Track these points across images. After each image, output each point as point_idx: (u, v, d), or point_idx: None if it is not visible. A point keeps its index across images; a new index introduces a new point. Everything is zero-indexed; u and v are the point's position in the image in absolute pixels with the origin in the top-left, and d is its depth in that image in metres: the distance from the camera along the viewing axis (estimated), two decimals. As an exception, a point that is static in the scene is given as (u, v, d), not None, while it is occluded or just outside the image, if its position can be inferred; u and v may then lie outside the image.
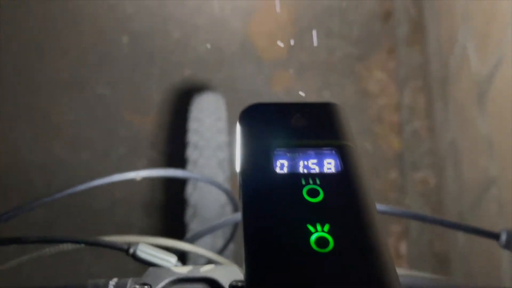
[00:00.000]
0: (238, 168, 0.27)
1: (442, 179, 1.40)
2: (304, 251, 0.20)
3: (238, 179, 0.27)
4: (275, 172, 0.24)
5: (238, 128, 0.27)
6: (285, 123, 0.27)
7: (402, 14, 1.79)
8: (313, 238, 0.21)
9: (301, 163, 0.25)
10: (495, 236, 0.45)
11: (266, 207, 0.23)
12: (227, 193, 0.59)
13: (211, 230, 0.47)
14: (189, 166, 0.95)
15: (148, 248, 0.42)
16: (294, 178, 0.24)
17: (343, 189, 0.24)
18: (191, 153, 0.97)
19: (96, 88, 1.93)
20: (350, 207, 0.23)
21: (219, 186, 0.57)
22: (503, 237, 0.44)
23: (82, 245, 0.44)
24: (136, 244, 0.42)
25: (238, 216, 0.48)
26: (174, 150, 1.70)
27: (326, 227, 0.21)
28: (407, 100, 1.64)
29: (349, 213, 0.23)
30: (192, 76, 1.90)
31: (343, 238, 0.21)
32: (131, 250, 0.42)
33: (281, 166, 0.25)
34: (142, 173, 0.53)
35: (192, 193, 0.85)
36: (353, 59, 1.91)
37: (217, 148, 0.98)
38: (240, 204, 0.25)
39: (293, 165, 0.25)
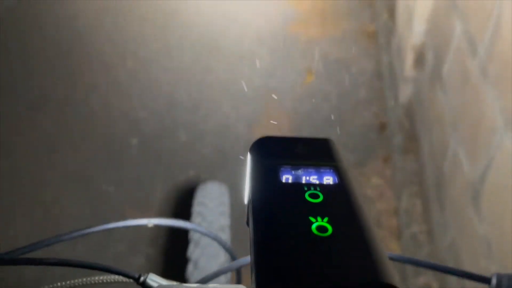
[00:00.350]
0: (247, 188, 0.30)
1: (444, 283, 1.36)
2: (307, 236, 0.23)
3: (247, 208, 0.30)
4: (281, 182, 0.28)
5: (248, 156, 0.31)
6: (289, 150, 0.31)
7: (396, 125, 1.93)
8: (314, 226, 0.24)
9: (303, 177, 0.28)
10: (486, 281, 0.47)
11: (273, 207, 0.26)
12: (229, 251, 0.60)
13: (218, 274, 0.48)
14: (191, 246, 0.95)
15: (157, 278, 0.42)
16: (297, 186, 0.27)
17: (340, 194, 0.27)
18: (193, 234, 0.97)
19: (102, 185, 1.98)
20: (346, 206, 0.26)
21: (221, 242, 0.58)
22: (494, 280, 0.48)
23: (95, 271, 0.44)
24: (146, 273, 0.43)
25: (244, 260, 0.49)
26: (173, 247, 1.68)
27: (326, 219, 0.24)
28: (405, 205, 1.67)
29: (345, 209, 0.26)
30: (196, 176, 1.97)
31: (340, 226, 0.24)
32: (142, 279, 0.43)
33: (286, 179, 0.28)
34: (154, 221, 0.56)
35: (194, 250, 0.85)
36: (351, 166, 1.99)
37: (219, 229, 1.00)
38: (249, 216, 0.28)
39: (296, 178, 0.28)
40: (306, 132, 2.14)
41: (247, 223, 0.28)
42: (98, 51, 2.68)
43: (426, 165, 1.67)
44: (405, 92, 1.99)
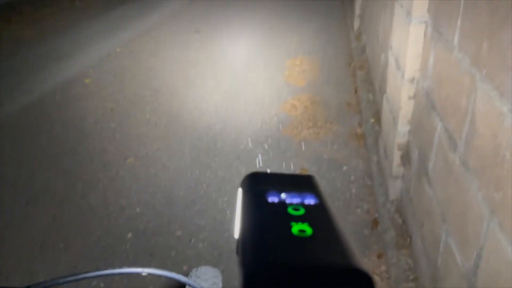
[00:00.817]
0: (237, 219, 0.34)
1: None
2: (288, 236, 0.26)
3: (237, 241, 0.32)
4: (267, 202, 0.31)
5: (239, 190, 0.36)
6: (275, 180, 0.36)
7: (388, 221, 1.97)
8: (294, 228, 0.27)
9: (287, 198, 0.32)
10: None
11: (258, 218, 0.29)
12: None
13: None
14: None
15: None
16: (281, 204, 0.31)
17: (320, 210, 0.30)
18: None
19: (92, 281, 1.92)
20: (325, 217, 0.30)
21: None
22: None
23: None
24: None
25: None
26: None
27: (306, 224, 0.28)
28: (404, 302, 1.63)
29: (324, 219, 0.30)
30: (189, 270, 1.93)
31: (319, 229, 0.28)
32: None
33: (272, 199, 0.32)
34: (148, 270, 0.58)
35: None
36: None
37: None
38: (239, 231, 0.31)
39: (281, 199, 0.32)
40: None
41: (237, 252, 0.30)
42: (101, 149, 2.81)
43: (420, 260, 1.67)
44: (395, 189, 2.07)
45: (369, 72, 3.57)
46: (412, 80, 1.81)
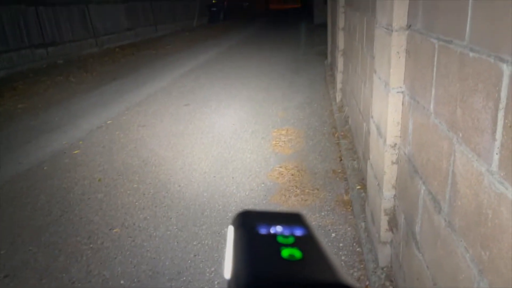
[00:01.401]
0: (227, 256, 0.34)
1: None
2: (279, 261, 0.28)
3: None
4: (258, 234, 0.32)
5: (229, 228, 0.37)
6: (266, 217, 0.38)
7: (381, 289, 1.92)
8: (284, 252, 0.29)
9: (278, 230, 0.33)
10: None
11: (249, 246, 0.30)
12: None
13: None
14: None
15: None
16: (271, 235, 0.32)
17: (308, 238, 0.31)
18: None
19: None
20: (313, 244, 0.31)
21: None
22: None
23: None
24: None
25: None
26: None
27: (295, 248, 0.29)
28: None
29: (312, 245, 0.31)
30: None
31: (308, 253, 0.29)
32: None
33: (262, 231, 0.33)
34: None
35: None
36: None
37: None
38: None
39: (271, 230, 0.33)
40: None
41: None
42: (87, 220, 2.76)
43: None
44: (384, 255, 2.05)
45: (353, 141, 3.69)
46: (394, 146, 1.89)
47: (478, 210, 1.07)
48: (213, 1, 22.27)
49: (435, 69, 1.38)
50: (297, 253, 0.28)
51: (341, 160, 3.48)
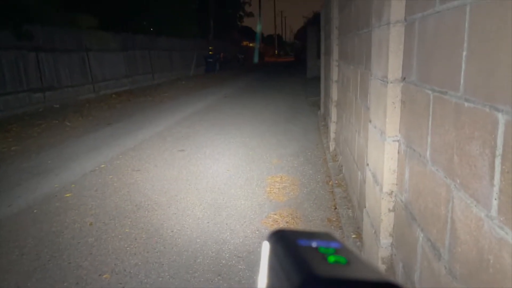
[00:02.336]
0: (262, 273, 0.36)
1: None
2: (327, 265, 0.29)
3: None
4: (299, 245, 0.33)
5: (265, 244, 0.38)
6: (301, 233, 0.39)
7: None
8: (330, 259, 0.30)
9: (317, 243, 0.34)
10: None
11: (294, 256, 0.31)
12: None
13: None
14: None
15: None
16: (312, 247, 0.33)
17: (347, 250, 0.33)
18: None
19: None
20: (353, 254, 0.32)
21: None
22: None
23: None
24: None
25: None
26: None
27: (340, 256, 0.31)
28: None
29: (353, 255, 0.32)
30: None
31: (352, 259, 0.30)
32: None
33: (303, 244, 0.34)
34: None
35: None
36: None
37: None
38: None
39: (311, 243, 0.34)
40: None
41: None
42: (76, 265, 2.67)
43: None
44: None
45: (347, 189, 3.70)
46: (390, 193, 1.91)
47: (479, 256, 1.07)
48: (210, 53, 23.01)
49: (430, 118, 1.43)
50: (342, 260, 0.30)
51: (335, 208, 3.47)
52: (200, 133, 6.68)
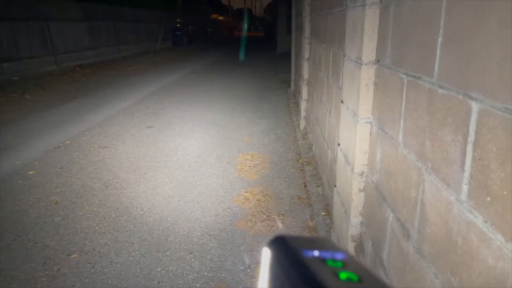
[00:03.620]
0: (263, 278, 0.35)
1: None
2: (340, 283, 0.28)
3: None
4: (304, 257, 0.32)
5: (265, 250, 0.37)
6: (303, 241, 0.38)
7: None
8: (342, 275, 0.29)
9: (322, 254, 0.33)
10: None
11: (302, 270, 0.30)
12: None
13: None
14: None
15: None
16: (318, 258, 0.32)
17: (353, 263, 0.33)
18: None
19: None
20: (362, 267, 0.31)
21: None
22: None
23: None
24: None
25: None
26: None
27: (349, 272, 0.30)
28: None
29: (362, 268, 0.31)
30: None
31: (364, 276, 0.30)
32: None
33: (307, 255, 0.32)
34: None
35: None
36: None
37: None
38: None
39: (316, 254, 0.32)
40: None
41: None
42: (42, 245, 2.61)
43: None
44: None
45: (317, 167, 3.77)
46: (361, 174, 1.95)
47: (447, 237, 1.12)
48: (178, 25, 22.39)
49: (404, 102, 1.45)
50: (354, 277, 0.29)
51: (305, 186, 3.53)
52: (169, 109, 6.56)
